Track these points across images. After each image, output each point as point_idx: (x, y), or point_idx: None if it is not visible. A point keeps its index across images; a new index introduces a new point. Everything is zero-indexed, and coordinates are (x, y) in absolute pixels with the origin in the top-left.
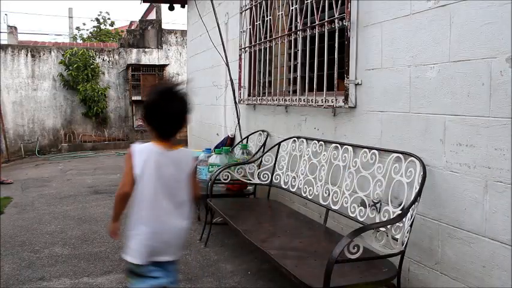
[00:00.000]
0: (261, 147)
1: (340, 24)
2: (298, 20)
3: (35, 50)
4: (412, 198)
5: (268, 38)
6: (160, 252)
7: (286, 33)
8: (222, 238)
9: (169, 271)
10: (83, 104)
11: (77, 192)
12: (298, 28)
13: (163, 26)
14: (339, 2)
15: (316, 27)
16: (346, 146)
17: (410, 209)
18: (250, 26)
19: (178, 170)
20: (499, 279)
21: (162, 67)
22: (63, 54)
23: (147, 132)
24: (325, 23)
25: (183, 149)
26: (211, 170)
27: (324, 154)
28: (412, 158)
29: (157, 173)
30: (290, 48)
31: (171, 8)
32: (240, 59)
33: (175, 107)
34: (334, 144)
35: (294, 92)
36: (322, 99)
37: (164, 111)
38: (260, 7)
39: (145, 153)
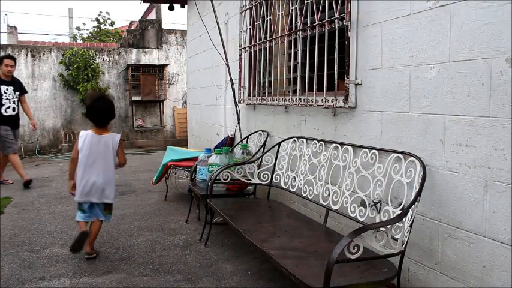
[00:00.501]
0: (261, 147)
1: (340, 24)
2: (298, 20)
3: (35, 50)
4: (412, 198)
5: (268, 38)
6: (90, 195)
7: (286, 33)
8: (222, 238)
9: (97, 209)
10: (83, 104)
11: None
12: (298, 28)
13: (163, 26)
14: (339, 2)
15: (316, 27)
16: (346, 146)
17: (410, 209)
18: (250, 26)
19: (106, 146)
20: (499, 279)
21: (162, 67)
22: (63, 54)
23: (147, 132)
24: (325, 23)
25: (112, 133)
26: (211, 170)
27: (324, 154)
28: (412, 158)
29: (89, 147)
30: (290, 48)
31: (171, 8)
32: (240, 59)
33: (101, 108)
34: (334, 144)
35: (294, 92)
36: (322, 99)
37: (94, 110)
38: (260, 7)
39: (84, 136)
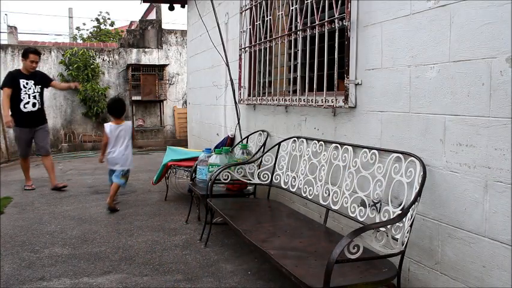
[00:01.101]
0: (261, 147)
1: (340, 24)
2: (298, 20)
3: None
4: (412, 198)
5: (268, 38)
6: (117, 164)
7: (286, 33)
8: (222, 238)
9: (116, 175)
10: (83, 104)
11: (77, 192)
12: (298, 28)
13: (163, 26)
14: (339, 2)
15: (316, 27)
16: (346, 146)
17: (410, 209)
18: (250, 26)
19: (124, 132)
20: (499, 279)
21: (162, 67)
22: (63, 54)
23: (147, 132)
24: (325, 23)
25: (126, 122)
26: (211, 170)
27: (324, 154)
28: (412, 158)
29: (113, 133)
30: (290, 48)
31: (171, 8)
32: (240, 59)
33: (118, 106)
34: (334, 144)
35: (294, 92)
36: (322, 99)
37: (113, 107)
38: (260, 7)
39: (109, 126)
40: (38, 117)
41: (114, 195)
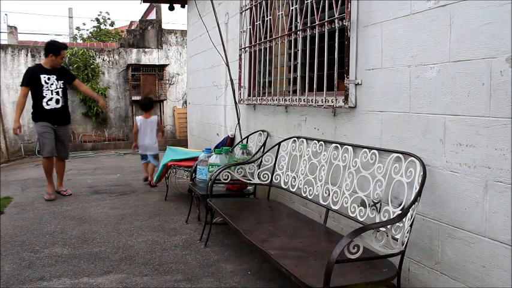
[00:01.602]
0: (261, 147)
1: (340, 24)
2: (298, 20)
3: (35, 50)
4: (412, 198)
5: (268, 38)
6: (146, 150)
7: (286, 33)
8: (222, 238)
9: (149, 158)
10: (83, 104)
11: (77, 192)
12: (298, 28)
13: (163, 26)
14: (339, 2)
15: (316, 27)
16: (346, 146)
17: (410, 209)
18: (250, 26)
19: (151, 124)
20: (499, 279)
21: (162, 67)
22: None
23: None
24: (325, 23)
25: (152, 116)
26: (211, 170)
27: (324, 154)
28: (412, 158)
29: (143, 125)
30: (290, 48)
31: (171, 8)
32: (240, 59)
33: (147, 102)
34: (334, 144)
35: (294, 92)
36: (322, 99)
37: (143, 103)
38: (260, 7)
39: (139, 119)
40: (61, 115)
41: (153, 173)
